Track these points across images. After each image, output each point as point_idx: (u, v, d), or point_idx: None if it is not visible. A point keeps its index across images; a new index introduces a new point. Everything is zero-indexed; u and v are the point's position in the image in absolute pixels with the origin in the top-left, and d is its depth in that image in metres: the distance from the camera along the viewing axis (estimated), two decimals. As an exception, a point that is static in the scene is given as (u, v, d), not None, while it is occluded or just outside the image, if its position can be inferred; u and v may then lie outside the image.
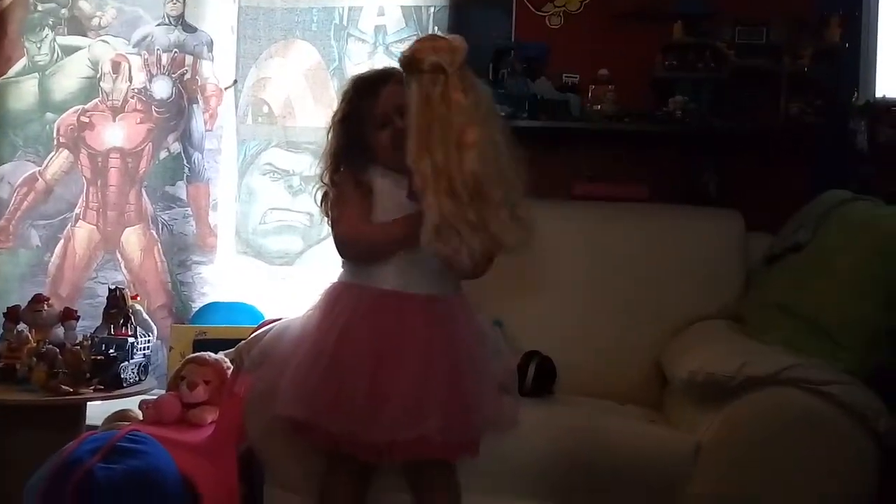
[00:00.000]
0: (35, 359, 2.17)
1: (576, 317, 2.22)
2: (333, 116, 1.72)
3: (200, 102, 2.73)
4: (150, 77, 2.77)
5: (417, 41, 1.60)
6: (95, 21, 2.81)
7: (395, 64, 2.60)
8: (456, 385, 1.55)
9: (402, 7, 2.69)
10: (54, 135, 2.81)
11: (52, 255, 2.80)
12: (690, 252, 2.26)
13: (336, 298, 1.64)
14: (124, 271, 2.77)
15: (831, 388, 1.59)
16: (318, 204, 1.70)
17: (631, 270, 2.25)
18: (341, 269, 1.72)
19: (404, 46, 2.60)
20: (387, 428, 1.49)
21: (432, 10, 2.66)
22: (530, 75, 2.51)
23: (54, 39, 2.83)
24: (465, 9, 2.63)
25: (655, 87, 2.48)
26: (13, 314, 2.34)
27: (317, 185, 1.70)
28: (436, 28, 2.65)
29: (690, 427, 1.73)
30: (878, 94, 2.47)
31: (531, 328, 2.13)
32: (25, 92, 2.82)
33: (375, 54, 2.69)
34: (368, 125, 1.64)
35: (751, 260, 2.24)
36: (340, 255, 1.67)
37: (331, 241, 1.69)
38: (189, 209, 2.74)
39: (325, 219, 1.71)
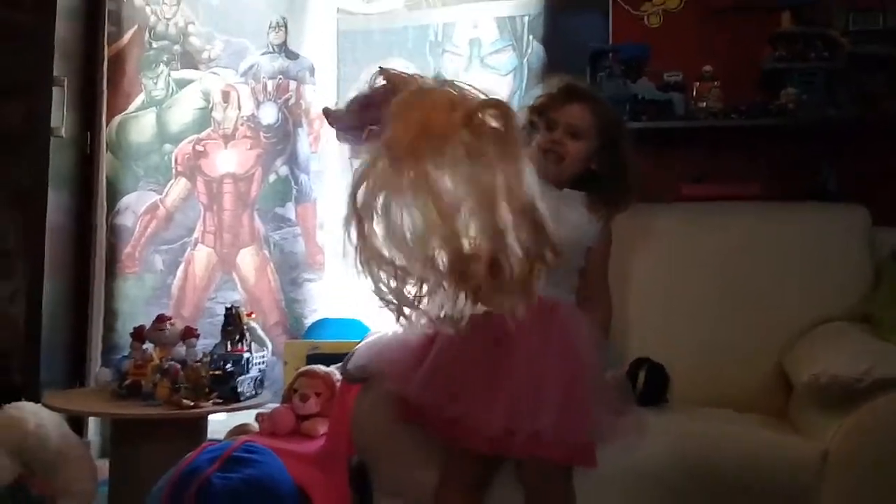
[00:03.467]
0: (159, 375, 2.28)
1: (689, 322, 2.13)
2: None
3: (305, 126, 2.82)
4: (258, 104, 2.89)
5: None
6: (205, 54, 2.96)
7: (492, 76, 2.64)
8: (571, 386, 1.54)
9: (496, 19, 2.70)
10: (172, 164, 2.97)
11: (174, 278, 2.94)
12: (812, 250, 2.13)
13: None
14: (240, 290, 2.88)
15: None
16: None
17: (747, 272, 2.15)
18: None
19: (499, 59, 2.66)
20: (504, 417, 1.49)
21: (526, 18, 2.66)
22: (630, 76, 2.46)
23: (169, 74, 2.99)
24: (560, 14, 2.61)
25: (764, 80, 2.37)
26: (139, 334, 2.47)
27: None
28: (531, 37, 2.64)
29: (816, 434, 1.63)
30: None
31: (641, 334, 2.07)
32: (145, 125, 3.00)
33: (471, 67, 2.71)
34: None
35: (878, 256, 2.10)
36: None
37: None
38: (298, 229, 2.83)
39: None
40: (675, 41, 2.49)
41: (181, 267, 2.94)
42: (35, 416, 2.25)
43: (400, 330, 1.73)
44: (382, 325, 2.24)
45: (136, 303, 2.94)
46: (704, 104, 2.37)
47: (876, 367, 1.52)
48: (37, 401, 2.37)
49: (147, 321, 2.56)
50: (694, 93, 2.40)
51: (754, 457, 1.59)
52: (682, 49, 2.47)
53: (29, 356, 2.74)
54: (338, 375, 2.22)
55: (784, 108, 2.29)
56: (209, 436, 2.39)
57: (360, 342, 2.01)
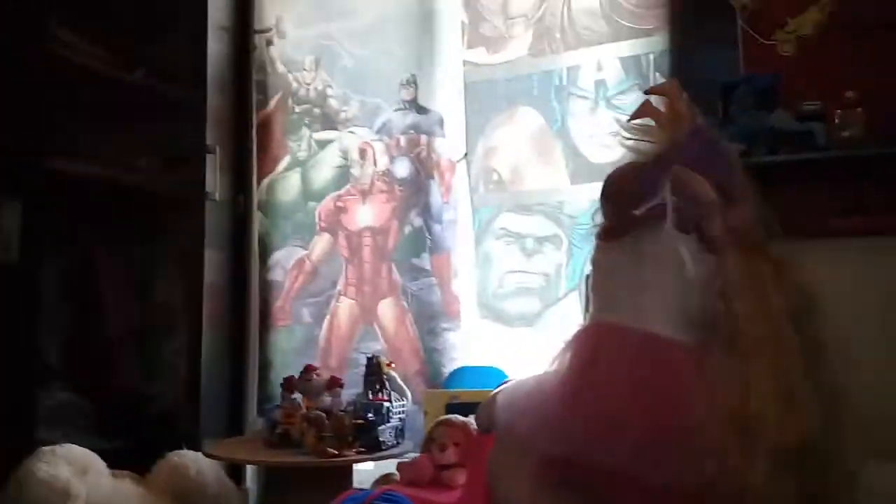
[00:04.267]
0: (306, 424, 2.39)
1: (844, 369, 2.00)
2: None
3: (436, 177, 2.90)
4: (392, 159, 3.00)
5: None
6: (343, 115, 3.12)
7: (619, 117, 2.61)
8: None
9: (620, 59, 2.68)
10: (316, 220, 3.13)
11: (320, 330, 3.08)
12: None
13: (595, 342, 1.60)
14: (382, 341, 2.98)
15: None
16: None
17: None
18: (595, 309, 1.71)
19: (625, 99, 2.63)
20: (666, 467, 1.40)
21: (652, 56, 2.62)
22: (765, 108, 2.37)
23: (311, 136, 3.18)
24: (687, 50, 2.55)
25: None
26: (289, 384, 2.61)
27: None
28: (657, 74, 2.60)
29: None
30: None
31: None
32: (291, 185, 3.19)
33: (597, 110, 2.70)
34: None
35: None
36: None
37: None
38: (434, 279, 2.89)
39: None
40: (812, 68, 2.37)
41: (327, 319, 3.08)
42: (195, 463, 2.42)
43: (539, 375, 1.72)
44: (521, 372, 2.27)
45: (288, 354, 3.10)
46: (848, 133, 2.23)
47: None
48: (197, 449, 2.54)
49: (297, 371, 2.70)
50: (836, 121, 2.27)
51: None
52: (820, 76, 2.34)
53: (191, 406, 2.95)
54: (475, 425, 2.24)
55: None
56: (355, 484, 2.47)
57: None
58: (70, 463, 2.23)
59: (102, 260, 3.29)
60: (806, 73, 2.37)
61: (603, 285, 1.74)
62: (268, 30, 3.29)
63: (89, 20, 3.12)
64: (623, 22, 2.68)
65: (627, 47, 2.66)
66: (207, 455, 2.47)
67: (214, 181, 3.12)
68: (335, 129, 3.14)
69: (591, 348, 1.59)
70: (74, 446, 2.32)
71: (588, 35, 2.73)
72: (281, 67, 3.26)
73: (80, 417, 2.94)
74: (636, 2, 2.66)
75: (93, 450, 2.37)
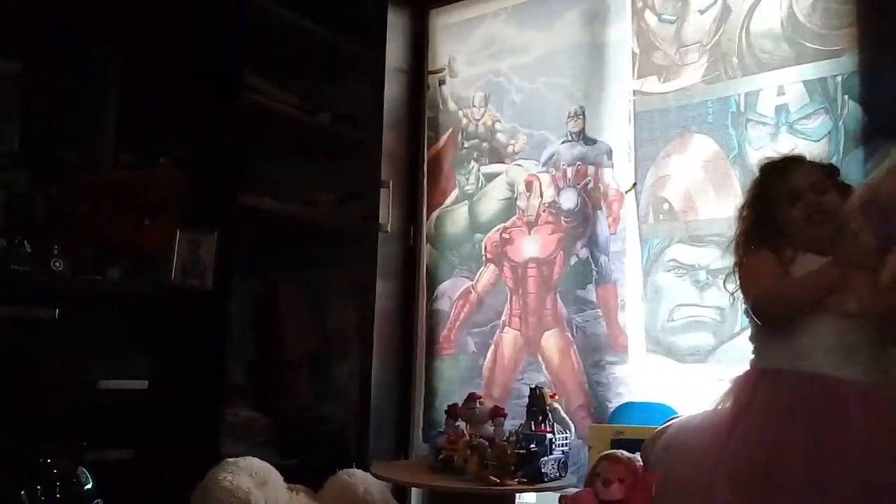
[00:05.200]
0: (469, 451, 2.40)
1: None
2: (743, 202, 1.76)
3: (604, 208, 2.86)
4: (558, 191, 3.00)
5: None
6: (510, 148, 3.17)
7: (801, 143, 2.49)
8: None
9: (804, 82, 2.53)
10: (482, 252, 3.17)
11: (484, 359, 3.10)
12: None
13: (753, 385, 1.56)
14: (545, 372, 2.95)
15: None
16: (730, 290, 1.70)
17: None
18: (755, 354, 1.65)
19: (810, 123, 2.49)
20: None
21: (839, 78, 2.45)
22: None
23: (479, 169, 3.25)
24: (879, 71, 2.37)
25: None
26: (453, 411, 2.64)
27: (729, 273, 1.71)
28: (845, 97, 2.44)
29: None
30: None
31: None
32: (458, 217, 3.26)
33: (778, 136, 2.56)
34: (779, 202, 1.63)
35: None
36: (758, 318, 1.62)
37: (744, 337, 1.66)
38: (599, 311, 2.83)
39: (739, 297, 1.69)
40: None
41: (491, 349, 3.09)
42: (364, 483, 2.50)
43: (703, 413, 1.66)
44: (690, 409, 2.17)
45: (452, 382, 3.14)
46: None
47: None
48: (366, 469, 2.63)
49: (461, 399, 2.73)
50: None
51: None
52: None
53: (361, 428, 3.06)
54: (640, 461, 2.16)
55: None
56: (516, 516, 2.45)
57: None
58: (251, 474, 2.38)
59: (284, 288, 3.52)
60: None
61: (758, 328, 1.69)
62: (441, 70, 3.42)
63: (279, 69, 3.40)
64: (807, 43, 2.53)
65: (812, 70, 2.51)
66: (375, 475, 2.55)
67: (387, 214, 3.26)
68: (502, 162, 3.19)
69: (749, 392, 1.53)
70: (256, 459, 2.48)
71: (768, 59, 2.61)
72: (452, 105, 3.37)
73: (260, 434, 3.14)
74: (821, 22, 2.51)
75: (271, 464, 2.51)
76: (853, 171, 2.28)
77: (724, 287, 1.74)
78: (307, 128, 3.50)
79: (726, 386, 1.70)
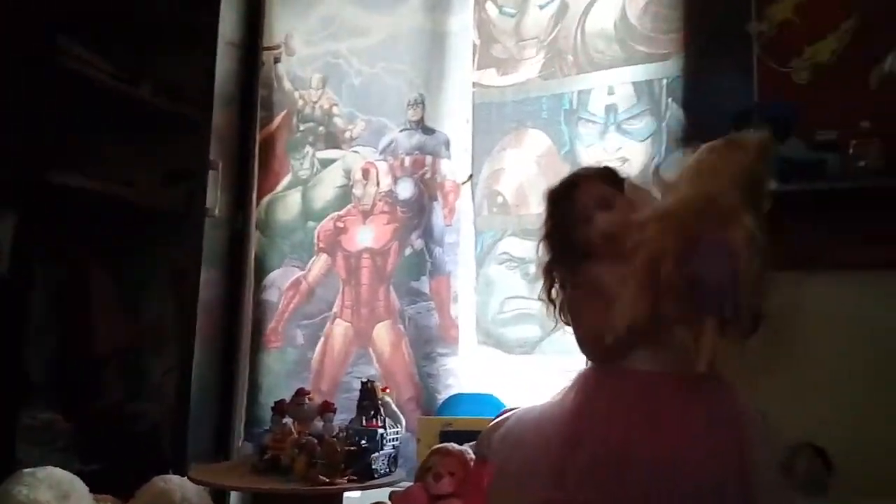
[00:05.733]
0: (297, 450, 2.29)
1: (854, 402, 1.92)
2: (540, 234, 1.76)
3: (440, 199, 2.83)
4: (395, 180, 2.94)
5: None
6: (347, 134, 3.07)
7: (628, 142, 2.58)
8: (743, 465, 1.40)
9: (633, 83, 2.63)
10: (315, 241, 3.06)
11: (313, 353, 2.99)
12: None
13: (597, 381, 1.57)
14: (376, 365, 2.89)
15: None
16: (551, 315, 1.70)
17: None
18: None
19: (636, 124, 2.59)
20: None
21: (664, 81, 2.57)
22: (778, 137, 2.31)
23: (314, 154, 3.12)
24: (701, 76, 2.50)
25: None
26: (280, 408, 2.50)
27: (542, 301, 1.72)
28: (669, 100, 2.55)
29: None
30: None
31: (801, 416, 1.87)
32: (291, 204, 3.12)
33: (607, 134, 2.64)
34: (574, 227, 1.64)
35: None
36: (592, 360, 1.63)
37: (569, 329, 1.66)
38: (432, 303, 2.81)
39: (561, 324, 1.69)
40: (828, 97, 2.32)
41: (320, 341, 2.99)
42: (181, 489, 2.32)
43: (541, 406, 1.66)
44: (518, 400, 2.19)
45: (279, 377, 3.01)
46: (864, 163, 2.18)
47: None
48: (184, 473, 2.44)
49: (288, 395, 2.59)
50: (851, 151, 2.21)
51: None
52: (835, 105, 2.29)
53: (178, 428, 2.85)
54: (472, 454, 2.15)
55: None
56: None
57: (494, 419, 1.95)
58: (51, 487, 2.16)
59: (94, 276, 3.22)
60: (821, 102, 2.32)
61: None
62: (276, 47, 3.26)
63: (97, 34, 3.09)
64: (637, 46, 2.63)
65: (640, 72, 2.62)
66: (193, 480, 2.37)
67: (215, 197, 3.06)
68: (339, 148, 3.08)
69: (593, 387, 1.55)
70: (57, 469, 2.25)
71: (600, 58, 2.69)
72: (287, 85, 3.22)
73: (61, 438, 2.84)
74: (651, 26, 2.62)
75: (74, 472, 2.28)
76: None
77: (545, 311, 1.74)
78: (125, 99, 3.20)
79: (563, 379, 1.70)
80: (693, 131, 2.49)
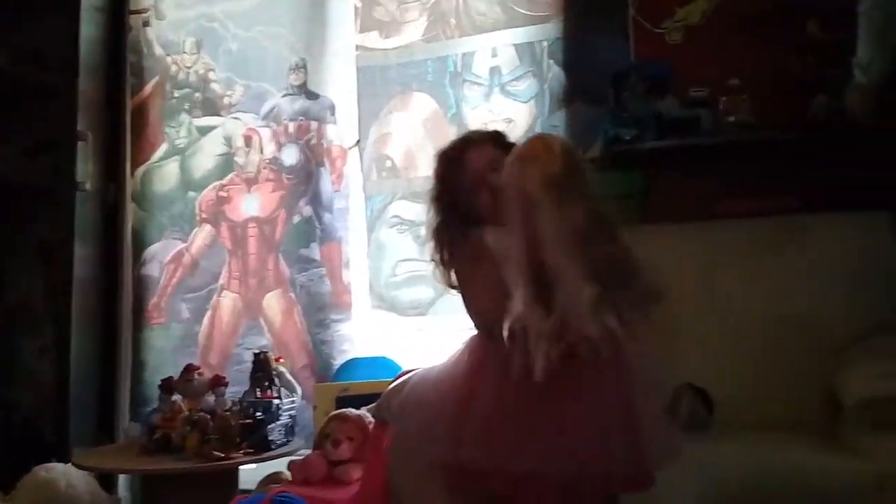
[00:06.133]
0: (188, 427, 2.22)
1: (730, 344, 2.04)
2: (429, 196, 1.73)
3: (327, 165, 2.78)
4: (279, 146, 2.87)
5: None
6: (226, 100, 2.96)
7: (512, 103, 2.61)
8: (628, 414, 1.44)
9: (515, 46, 2.66)
10: (196, 211, 2.95)
11: (200, 327, 2.90)
12: (853, 262, 2.04)
13: (482, 344, 1.58)
14: (267, 335, 2.83)
15: None
16: (440, 278, 1.69)
17: (787, 289, 2.05)
18: None
19: (519, 86, 2.62)
20: (573, 463, 1.39)
21: (545, 44, 2.61)
22: (655, 95, 2.40)
23: (191, 122, 3.00)
24: (580, 37, 2.56)
25: (794, 91, 2.29)
26: (167, 385, 2.42)
27: (432, 263, 1.70)
28: (551, 62, 2.60)
29: (870, 456, 1.52)
30: None
31: (681, 360, 1.97)
32: (168, 174, 2.99)
33: (491, 96, 2.67)
34: (464, 191, 1.62)
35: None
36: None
37: None
38: (323, 269, 2.78)
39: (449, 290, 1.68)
40: (699, 56, 2.43)
41: (207, 314, 2.90)
42: (65, 476, 2.22)
43: (439, 368, 1.67)
44: (414, 362, 2.20)
45: (164, 353, 2.90)
46: (733, 118, 2.29)
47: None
48: (67, 459, 2.33)
49: (175, 372, 2.52)
50: (721, 107, 2.33)
51: (804, 482, 1.49)
52: (707, 63, 2.40)
53: (59, 414, 2.71)
54: (370, 418, 2.15)
55: (815, 119, 2.20)
56: (240, 486, 2.32)
57: (391, 382, 1.95)
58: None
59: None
60: (693, 62, 2.42)
61: None
62: (144, 10, 3.09)
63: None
64: (517, 9, 2.66)
65: (522, 34, 2.65)
66: (78, 466, 2.26)
67: (85, 170, 2.90)
68: (218, 114, 2.97)
69: (485, 349, 1.56)
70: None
71: (483, 21, 2.70)
72: (158, 50, 3.06)
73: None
74: (531, -12, 2.65)
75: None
76: (557, 133, 2.44)
77: (433, 274, 1.72)
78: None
79: (458, 339, 1.70)
80: (574, 92, 2.55)
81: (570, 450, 1.39)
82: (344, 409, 2.25)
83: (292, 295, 2.81)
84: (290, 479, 2.18)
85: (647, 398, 1.50)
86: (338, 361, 2.72)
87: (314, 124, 2.81)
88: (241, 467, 2.28)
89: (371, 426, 2.10)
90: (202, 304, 2.91)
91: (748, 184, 2.34)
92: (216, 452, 2.12)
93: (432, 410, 1.53)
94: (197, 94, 3.00)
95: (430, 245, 1.70)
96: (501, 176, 1.49)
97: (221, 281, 2.90)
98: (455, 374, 1.56)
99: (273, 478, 2.30)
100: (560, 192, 1.41)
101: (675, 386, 1.84)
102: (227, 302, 2.89)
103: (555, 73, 2.60)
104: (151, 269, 2.96)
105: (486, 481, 1.47)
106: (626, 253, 1.45)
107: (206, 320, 2.90)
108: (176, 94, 3.02)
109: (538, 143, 1.51)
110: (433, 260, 1.69)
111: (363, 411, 2.22)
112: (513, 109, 2.64)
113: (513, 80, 2.65)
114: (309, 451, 2.24)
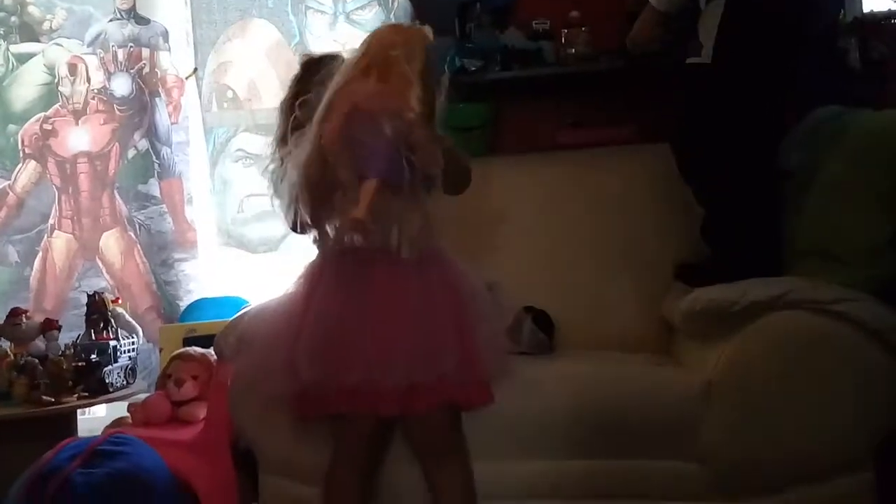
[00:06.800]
0: (16, 373, 2.09)
1: (570, 269, 2.11)
2: (283, 99, 1.69)
3: (162, 95, 2.64)
4: (109, 75, 2.68)
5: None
6: (46, 25, 2.72)
7: (358, 33, 2.54)
8: (461, 328, 1.48)
9: (360, -27, 2.58)
10: (19, 146, 2.72)
11: (32, 269, 2.71)
12: (686, 191, 2.14)
13: (320, 267, 1.57)
14: (106, 277, 2.69)
15: (841, 305, 1.49)
16: (272, 189, 1.64)
17: (625, 216, 2.14)
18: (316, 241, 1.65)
19: (365, 14, 2.56)
20: (404, 370, 1.42)
21: (390, -29, 2.55)
22: (499, 27, 2.42)
23: (7, 49, 2.74)
24: (425, -35, 2.52)
25: (630, 23, 2.36)
26: (-7, 330, 2.27)
27: (269, 170, 1.65)
28: (396, -7, 2.55)
29: (699, 367, 1.63)
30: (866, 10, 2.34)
31: (524, 285, 2.03)
32: (-15, 106, 2.74)
33: (336, 24, 2.59)
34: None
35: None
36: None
37: None
38: (164, 206, 2.65)
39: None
40: (541, -12, 2.45)
41: (38, 257, 2.72)
42: None
43: (276, 300, 1.64)
44: (263, 299, 2.15)
45: (-8, 299, 2.70)
46: (573, 50, 2.34)
47: (750, 290, 1.53)
48: None
49: (2, 317, 2.35)
50: (563, 39, 2.37)
51: (637, 392, 1.58)
52: (549, -4, 2.42)
53: None
54: (215, 356, 2.09)
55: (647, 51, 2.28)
56: (86, 433, 2.22)
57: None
58: None
59: None
60: (535, -6, 2.43)
61: None
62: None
63: None
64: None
65: (368, -40, 2.57)
66: None
67: None
68: (38, 41, 2.73)
69: (317, 273, 1.55)
70: None
71: (325, -55, 2.60)
72: (-36, -32, 2.76)
73: None
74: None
75: None
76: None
77: (269, 183, 1.67)
78: None
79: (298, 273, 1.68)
80: (420, 22, 2.51)
81: (398, 359, 1.42)
82: (187, 349, 2.20)
83: (132, 234, 2.68)
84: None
85: (480, 313, 1.54)
86: (184, 302, 2.63)
87: (146, 51, 2.64)
88: (85, 414, 2.19)
89: (215, 363, 2.05)
90: (32, 246, 2.72)
91: (588, 115, 2.41)
92: (45, 398, 2.01)
93: (267, 341, 1.51)
94: (13, 18, 2.74)
95: (272, 149, 1.67)
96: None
97: (52, 221, 2.72)
98: (290, 302, 1.54)
99: (119, 422, 2.21)
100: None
101: (517, 309, 1.90)
102: (60, 243, 2.72)
103: (400, 2, 2.55)
104: (-30, 211, 2.72)
105: (325, 405, 1.48)
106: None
107: (37, 263, 2.72)
108: (-11, 19, 2.75)
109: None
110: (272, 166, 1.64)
111: (209, 350, 2.16)
112: (358, 39, 2.55)
113: (357, 7, 2.58)
114: (151, 394, 2.17)
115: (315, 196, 1.47)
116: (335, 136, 1.42)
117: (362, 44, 1.54)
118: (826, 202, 1.70)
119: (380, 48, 1.49)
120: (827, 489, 1.51)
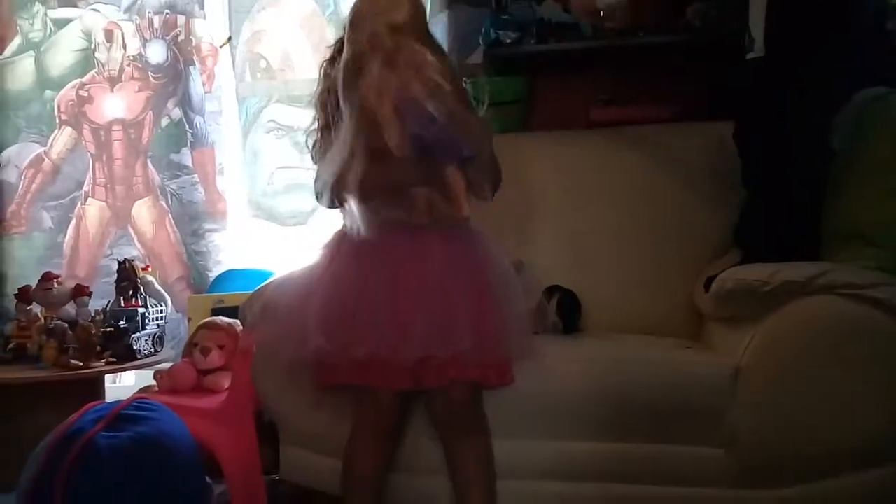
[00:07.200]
0: (45, 336, 2.12)
1: (602, 250, 2.06)
2: (326, 60, 1.67)
3: (197, 63, 2.63)
4: (144, 42, 2.68)
5: None
6: (84, -10, 2.73)
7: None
8: (483, 303, 1.47)
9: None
10: (56, 112, 2.75)
11: (65, 236, 2.75)
12: (724, 171, 2.08)
13: (339, 239, 1.56)
14: (138, 245, 2.71)
15: (877, 291, 1.43)
16: (312, 152, 1.63)
17: (659, 197, 2.08)
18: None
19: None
20: (417, 346, 1.42)
21: (427, -59, 2.50)
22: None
23: (46, 14, 2.76)
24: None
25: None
26: (25, 294, 2.30)
27: (309, 133, 1.64)
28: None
29: (728, 351, 1.58)
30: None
31: (554, 265, 1.99)
32: (22, 71, 2.76)
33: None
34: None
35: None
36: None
37: None
38: (196, 176, 2.66)
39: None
40: (581, -41, 2.37)
41: (72, 223, 2.75)
42: None
43: (298, 271, 1.64)
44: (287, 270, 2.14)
45: (27, 265, 2.73)
46: (612, 24, 2.28)
47: (782, 271, 1.48)
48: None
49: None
50: (601, 13, 2.30)
51: (665, 377, 1.54)
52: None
53: None
54: (241, 326, 2.10)
55: (691, 25, 2.21)
56: (114, 399, 2.25)
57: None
58: None
59: None
60: (575, -35, 2.36)
61: None
62: None
63: None
64: None
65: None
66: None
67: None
68: (75, 6, 2.74)
69: (336, 246, 1.55)
70: None
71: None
72: (7, -67, 2.78)
73: None
74: None
75: None
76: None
77: (308, 146, 1.66)
78: None
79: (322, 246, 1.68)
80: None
81: (410, 332, 1.40)
82: (214, 318, 2.20)
83: (163, 203, 2.69)
84: (159, 389, 2.12)
85: (505, 292, 1.52)
86: (214, 273, 2.64)
87: (181, 18, 2.63)
88: (117, 382, 2.21)
89: (241, 333, 2.06)
90: (66, 213, 2.75)
91: (622, 92, 2.35)
92: (74, 361, 2.03)
93: (287, 310, 1.51)
94: (52, -17, 2.75)
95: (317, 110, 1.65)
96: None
97: (86, 188, 2.74)
98: (312, 273, 1.54)
99: (147, 390, 2.23)
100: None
101: (545, 288, 1.86)
102: (93, 211, 2.74)
103: (437, -28, 2.50)
104: (8, 175, 2.76)
105: (338, 375, 1.47)
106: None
107: (70, 230, 2.75)
108: (28, -18, 2.76)
109: None
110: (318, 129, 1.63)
111: (235, 320, 2.17)
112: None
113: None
114: (177, 362, 2.18)
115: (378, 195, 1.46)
116: (404, 144, 1.43)
117: (350, 25, 1.50)
118: (866, 184, 1.63)
119: (373, 23, 1.45)
120: (856, 480, 1.46)
